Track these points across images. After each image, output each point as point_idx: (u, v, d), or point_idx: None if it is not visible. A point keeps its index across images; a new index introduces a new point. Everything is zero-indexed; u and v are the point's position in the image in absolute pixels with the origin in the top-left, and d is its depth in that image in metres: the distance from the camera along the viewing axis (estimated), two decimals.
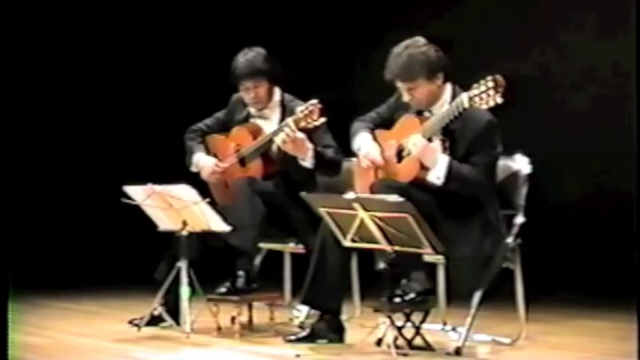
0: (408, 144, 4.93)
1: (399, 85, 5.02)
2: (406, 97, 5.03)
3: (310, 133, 5.59)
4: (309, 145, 5.53)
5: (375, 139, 5.23)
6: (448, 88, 5.03)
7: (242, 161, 5.82)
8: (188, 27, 9.14)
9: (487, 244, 4.92)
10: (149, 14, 9.08)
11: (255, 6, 9.03)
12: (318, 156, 5.55)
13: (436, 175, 4.84)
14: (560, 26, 7.74)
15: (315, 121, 5.39)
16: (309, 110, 5.40)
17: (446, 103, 4.97)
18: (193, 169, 5.95)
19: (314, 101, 5.40)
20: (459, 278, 4.95)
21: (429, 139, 4.88)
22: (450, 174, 4.82)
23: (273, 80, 5.75)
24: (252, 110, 5.86)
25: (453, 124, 4.84)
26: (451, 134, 4.88)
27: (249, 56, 5.73)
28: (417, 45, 4.99)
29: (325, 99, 5.43)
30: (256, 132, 5.76)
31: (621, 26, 7.20)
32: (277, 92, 5.82)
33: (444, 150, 4.88)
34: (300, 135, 5.48)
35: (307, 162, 5.55)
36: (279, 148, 5.57)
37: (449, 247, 4.76)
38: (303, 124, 5.42)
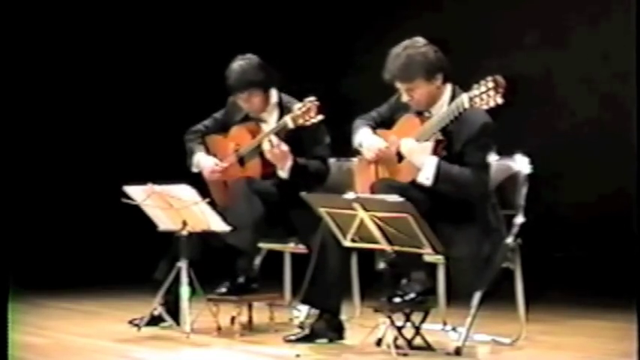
0: (401, 147, 4.92)
1: (398, 85, 5.01)
2: (405, 98, 5.02)
3: (304, 139, 5.61)
4: (290, 157, 5.55)
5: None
6: (448, 88, 5.02)
7: (241, 161, 5.82)
8: (187, 28, 9.15)
9: (487, 245, 4.92)
10: (149, 15, 9.09)
11: (252, 5, 9.04)
12: (298, 168, 5.57)
13: (425, 176, 4.84)
14: (562, 25, 7.74)
15: (312, 118, 5.42)
16: (306, 108, 5.42)
17: (445, 103, 4.96)
18: (194, 169, 5.95)
19: (312, 98, 5.42)
20: (459, 278, 4.94)
21: (427, 140, 4.88)
22: (439, 175, 4.81)
23: (266, 89, 5.74)
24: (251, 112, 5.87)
25: (452, 124, 4.83)
26: (449, 135, 4.88)
27: (241, 67, 5.70)
28: (416, 46, 4.98)
29: (321, 96, 5.45)
30: (255, 131, 5.76)
31: (622, 26, 7.20)
32: (274, 94, 5.81)
33: (442, 150, 4.88)
34: (284, 147, 5.51)
35: (283, 173, 5.59)
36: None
37: (449, 247, 4.75)
38: (300, 121, 5.45)
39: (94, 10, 8.97)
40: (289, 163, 5.56)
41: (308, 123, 5.46)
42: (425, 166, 4.83)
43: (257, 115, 5.81)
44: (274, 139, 5.52)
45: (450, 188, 4.84)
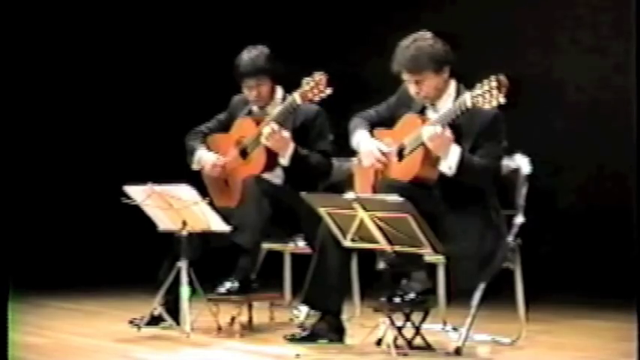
0: (423, 135, 4.88)
1: (406, 77, 5.02)
2: (413, 90, 5.03)
3: (308, 134, 5.62)
4: (291, 145, 5.55)
5: (373, 137, 5.23)
6: (453, 83, 5.04)
7: (244, 154, 5.79)
8: (188, 27, 9.14)
9: (488, 241, 4.92)
10: (149, 14, 9.09)
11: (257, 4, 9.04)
12: (299, 157, 5.57)
13: (448, 165, 4.83)
14: (561, 25, 7.74)
15: (321, 92, 5.36)
16: (315, 81, 5.38)
17: (450, 97, 4.99)
18: (195, 167, 5.94)
19: (320, 73, 5.38)
20: (461, 274, 4.93)
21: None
22: (462, 164, 4.81)
23: (275, 79, 5.76)
24: (255, 108, 5.86)
25: (459, 118, 4.84)
26: (457, 128, 4.88)
27: (252, 54, 5.75)
28: (424, 38, 5.02)
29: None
30: (261, 122, 5.72)
31: (622, 26, 7.20)
32: (279, 91, 5.82)
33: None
34: (285, 133, 5.51)
35: (284, 160, 5.59)
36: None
37: (449, 243, 4.75)
38: (309, 95, 5.39)
39: (94, 9, 8.96)
40: (290, 150, 5.56)
41: (317, 98, 5.40)
42: (449, 156, 4.82)
43: (262, 110, 5.79)
44: (275, 125, 5.51)
45: (469, 178, 4.85)
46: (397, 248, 4.74)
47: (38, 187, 8.76)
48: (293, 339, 5.16)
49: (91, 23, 8.98)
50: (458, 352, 4.87)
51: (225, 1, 9.10)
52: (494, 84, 4.66)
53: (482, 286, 4.99)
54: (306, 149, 5.63)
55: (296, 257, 5.91)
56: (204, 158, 5.90)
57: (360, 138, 5.22)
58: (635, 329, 4.45)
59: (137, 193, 5.52)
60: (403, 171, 5.01)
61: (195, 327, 5.41)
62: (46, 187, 8.79)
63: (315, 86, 5.37)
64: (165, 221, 5.55)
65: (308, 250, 5.53)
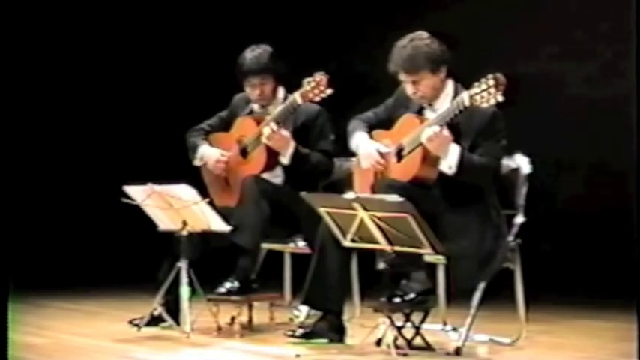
0: (422, 136, 4.88)
1: (403, 77, 5.02)
2: (410, 90, 5.03)
3: (310, 133, 5.62)
4: (292, 144, 5.55)
5: (372, 138, 5.23)
6: (450, 82, 5.05)
7: (244, 153, 5.79)
8: (189, 26, 9.15)
9: (488, 240, 4.92)
10: (150, 14, 9.09)
11: (257, 4, 9.04)
12: (299, 156, 5.57)
13: (448, 165, 4.83)
14: (561, 24, 7.74)
15: (322, 92, 5.37)
16: (316, 82, 5.38)
17: (448, 97, 4.99)
18: (197, 163, 5.93)
19: (321, 72, 5.39)
20: (461, 273, 4.93)
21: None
22: (462, 164, 4.82)
23: (278, 78, 5.77)
24: (256, 107, 5.86)
25: (458, 117, 4.84)
26: (456, 127, 4.88)
27: (256, 53, 5.75)
28: (421, 38, 5.03)
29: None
30: (262, 122, 5.72)
31: (622, 25, 7.20)
32: (281, 90, 5.83)
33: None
34: (285, 133, 5.51)
35: (285, 159, 5.59)
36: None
37: (449, 242, 4.76)
38: (310, 96, 5.40)
39: (94, 9, 8.96)
40: (290, 149, 5.56)
41: (317, 98, 5.41)
42: (448, 155, 4.83)
43: (263, 109, 5.79)
44: (274, 125, 5.51)
45: (469, 177, 4.85)
46: (397, 248, 4.74)
47: (38, 187, 8.77)
48: (293, 335, 5.15)
49: (91, 23, 8.99)
50: (458, 352, 4.87)
51: (225, 0, 9.10)
52: (492, 82, 4.66)
53: (482, 286, 4.99)
54: (307, 149, 5.64)
55: (296, 257, 5.91)
56: (207, 154, 5.90)
57: (359, 140, 5.22)
58: (635, 329, 4.45)
59: (137, 193, 5.52)
60: (402, 171, 5.01)
61: (195, 327, 5.41)
62: (46, 187, 8.80)
63: (316, 86, 5.38)
64: (165, 221, 5.55)
65: (308, 250, 5.53)
